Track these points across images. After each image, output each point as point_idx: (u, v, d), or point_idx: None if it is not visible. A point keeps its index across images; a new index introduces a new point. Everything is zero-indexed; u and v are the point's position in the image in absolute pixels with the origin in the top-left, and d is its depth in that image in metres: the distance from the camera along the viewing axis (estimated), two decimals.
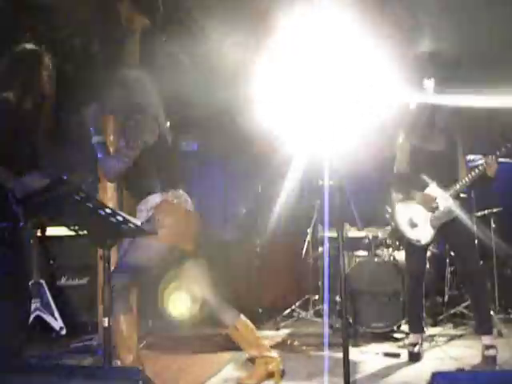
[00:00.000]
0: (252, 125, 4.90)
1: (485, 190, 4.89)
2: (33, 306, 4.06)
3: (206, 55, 4.93)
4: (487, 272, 4.80)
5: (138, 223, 2.22)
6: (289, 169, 5.06)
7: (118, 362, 2.83)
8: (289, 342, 4.58)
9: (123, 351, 2.86)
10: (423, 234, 3.83)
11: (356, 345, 4.33)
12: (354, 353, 4.08)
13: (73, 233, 2.31)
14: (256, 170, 7.20)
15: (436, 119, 3.87)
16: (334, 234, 4.92)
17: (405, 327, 4.50)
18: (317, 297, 5.51)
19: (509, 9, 4.57)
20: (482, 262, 4.14)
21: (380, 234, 5.03)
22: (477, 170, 3.72)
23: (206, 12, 4.59)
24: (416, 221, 3.86)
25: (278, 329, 5.17)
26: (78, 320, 4.58)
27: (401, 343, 4.31)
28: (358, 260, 4.92)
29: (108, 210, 2.12)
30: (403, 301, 4.48)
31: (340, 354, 2.68)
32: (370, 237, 5.02)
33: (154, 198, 2.94)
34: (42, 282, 4.20)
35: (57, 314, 4.19)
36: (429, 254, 4.72)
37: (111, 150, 3.26)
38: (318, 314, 5.28)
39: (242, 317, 3.22)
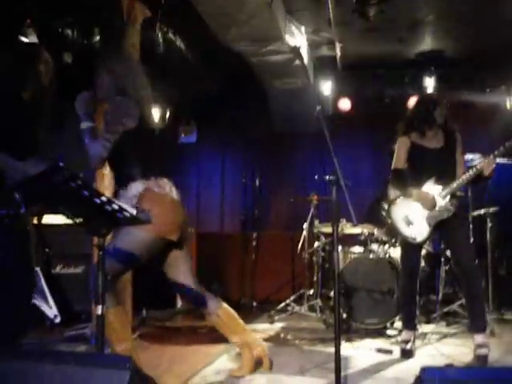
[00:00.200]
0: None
1: (481, 189, 4.89)
2: None
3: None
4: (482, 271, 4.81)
5: (134, 212, 2.21)
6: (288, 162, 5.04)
7: (110, 350, 2.83)
8: (282, 336, 4.60)
9: (115, 340, 2.85)
10: (419, 231, 3.83)
11: (349, 340, 4.36)
12: (347, 348, 4.11)
13: (69, 221, 2.31)
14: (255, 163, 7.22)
15: (435, 116, 3.87)
16: (330, 230, 4.92)
17: (398, 324, 4.52)
18: (311, 291, 5.53)
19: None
20: (477, 261, 4.15)
21: (376, 231, 5.04)
22: (474, 169, 3.73)
23: None
24: (412, 218, 3.86)
25: (272, 322, 5.19)
26: (72, 308, 4.59)
27: (394, 340, 4.33)
28: (353, 256, 4.92)
29: (104, 199, 2.12)
30: (397, 298, 4.50)
31: (333, 349, 2.70)
32: (366, 233, 5.03)
33: (137, 187, 2.86)
34: (37, 269, 4.20)
35: (51, 302, 4.19)
36: (424, 252, 4.73)
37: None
38: (313, 308, 5.30)
39: (224, 305, 3.20)
